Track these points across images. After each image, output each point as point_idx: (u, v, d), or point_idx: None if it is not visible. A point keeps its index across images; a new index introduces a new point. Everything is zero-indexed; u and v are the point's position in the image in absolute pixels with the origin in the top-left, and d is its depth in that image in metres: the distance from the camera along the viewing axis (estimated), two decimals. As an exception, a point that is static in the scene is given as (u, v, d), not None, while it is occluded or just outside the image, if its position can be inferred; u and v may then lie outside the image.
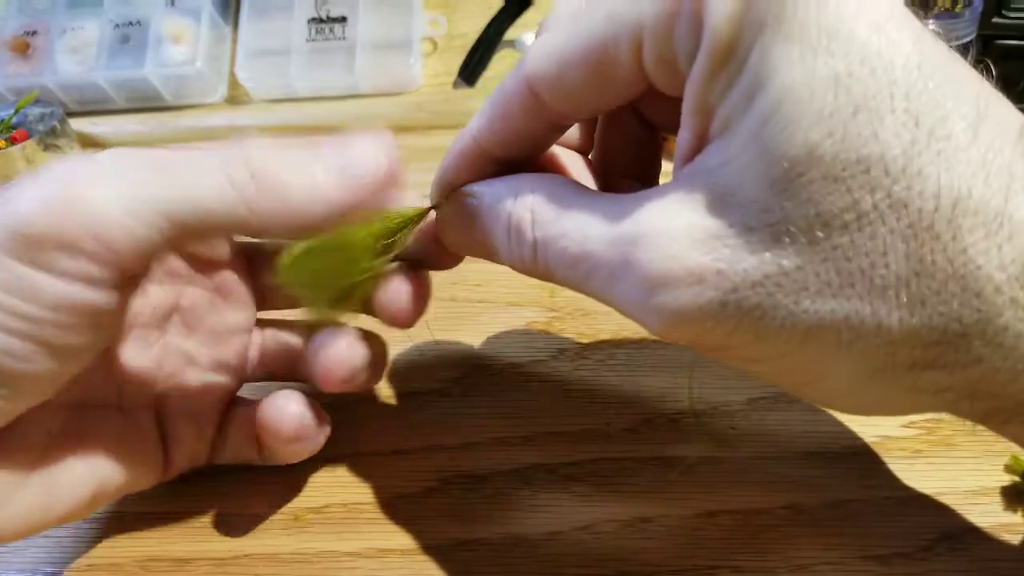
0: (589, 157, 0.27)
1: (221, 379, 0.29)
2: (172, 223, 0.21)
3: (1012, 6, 0.38)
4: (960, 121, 0.16)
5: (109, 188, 0.20)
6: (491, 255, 0.24)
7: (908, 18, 0.17)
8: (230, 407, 0.29)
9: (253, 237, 0.26)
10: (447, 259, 0.27)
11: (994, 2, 0.38)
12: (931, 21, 0.36)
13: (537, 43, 0.21)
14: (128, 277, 0.21)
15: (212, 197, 0.21)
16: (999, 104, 0.17)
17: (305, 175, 0.22)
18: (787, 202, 0.17)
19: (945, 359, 0.17)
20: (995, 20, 0.39)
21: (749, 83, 0.17)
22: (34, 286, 0.20)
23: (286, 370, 0.30)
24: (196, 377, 0.28)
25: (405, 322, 0.26)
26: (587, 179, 0.26)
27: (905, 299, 0.17)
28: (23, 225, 0.20)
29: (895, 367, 0.18)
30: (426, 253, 0.26)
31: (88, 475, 0.25)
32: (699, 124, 0.19)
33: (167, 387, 0.28)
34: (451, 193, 0.24)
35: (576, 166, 0.26)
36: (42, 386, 0.22)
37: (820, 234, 0.17)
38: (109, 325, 0.22)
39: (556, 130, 0.23)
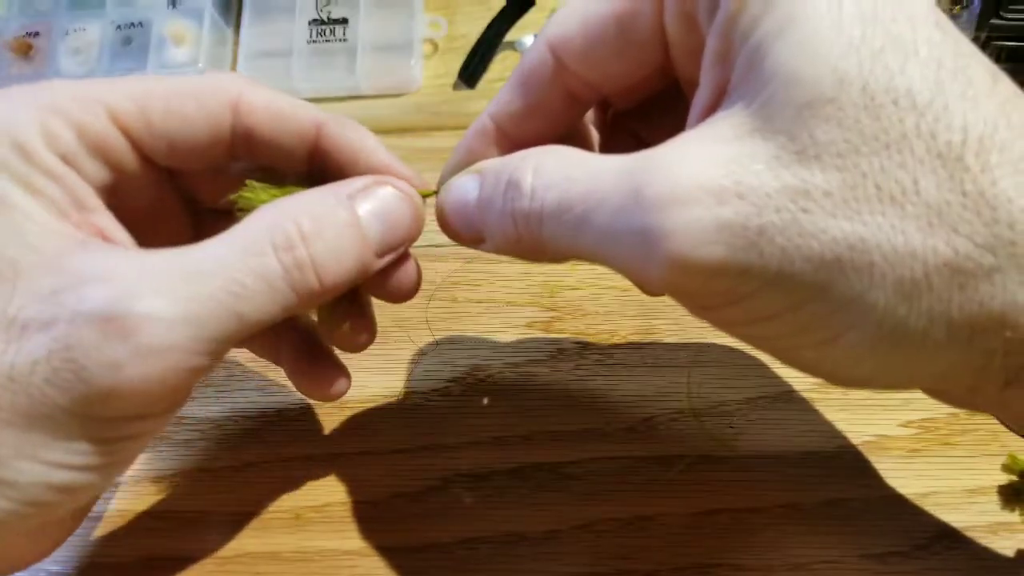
0: None
1: None
2: (231, 341, 0.20)
3: (1010, 7, 0.39)
4: (980, 70, 0.17)
5: (189, 345, 0.19)
6: (485, 232, 0.22)
7: None
8: None
9: None
10: (401, 295, 0.26)
11: (992, 3, 0.38)
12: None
13: (559, 11, 0.21)
14: None
15: (278, 313, 0.21)
16: (1004, 75, 0.18)
17: (356, 265, 0.22)
18: (816, 128, 0.16)
19: (978, 295, 0.16)
20: (993, 21, 0.39)
21: (778, 18, 0.17)
22: (123, 433, 0.20)
23: None
24: None
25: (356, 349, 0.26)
26: None
27: (938, 227, 0.16)
28: (111, 400, 0.19)
29: (928, 310, 0.17)
30: (381, 286, 0.25)
31: None
32: (720, 74, 0.18)
33: None
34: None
35: None
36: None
37: (849, 160, 0.16)
38: None
39: (573, 106, 0.23)
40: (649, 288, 0.20)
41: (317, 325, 0.26)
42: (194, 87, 0.23)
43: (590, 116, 0.26)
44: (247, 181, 0.23)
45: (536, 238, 0.20)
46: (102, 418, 0.19)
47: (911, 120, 0.16)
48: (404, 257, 0.24)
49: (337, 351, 0.28)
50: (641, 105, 0.25)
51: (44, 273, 0.19)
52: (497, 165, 0.21)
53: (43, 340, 0.18)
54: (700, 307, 0.19)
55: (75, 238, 0.20)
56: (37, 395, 0.19)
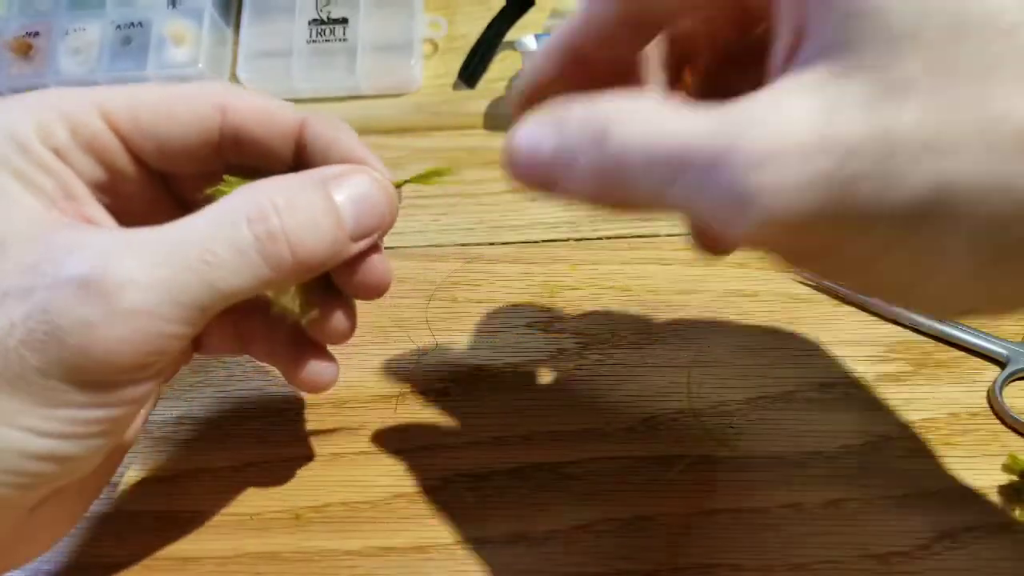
0: None
1: None
2: (213, 312, 0.21)
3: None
4: None
5: (162, 309, 0.20)
6: (562, 181, 0.20)
7: None
8: None
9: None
10: (371, 290, 0.26)
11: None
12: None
13: None
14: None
15: (252, 285, 0.21)
16: None
17: (331, 243, 0.22)
18: (902, 64, 0.16)
19: None
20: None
21: None
22: (101, 401, 0.20)
23: None
24: None
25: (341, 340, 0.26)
26: None
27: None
28: (84, 361, 0.19)
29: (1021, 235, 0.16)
30: (351, 278, 0.25)
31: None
32: (797, 16, 0.18)
33: None
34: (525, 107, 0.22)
35: None
36: (107, 450, 0.23)
37: (938, 95, 0.16)
38: (154, 395, 0.23)
39: (644, 28, 0.22)
40: (734, 242, 0.19)
41: (296, 314, 0.26)
42: (183, 90, 0.24)
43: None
44: (224, 176, 0.24)
45: (620, 190, 0.19)
46: (78, 382, 0.20)
47: (1000, 44, 0.16)
48: (375, 249, 0.25)
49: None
50: (717, 62, 0.24)
51: (28, 250, 0.20)
52: (579, 113, 0.20)
53: (21, 305, 0.19)
54: (790, 259, 0.18)
55: (61, 221, 0.21)
56: (13, 357, 0.19)
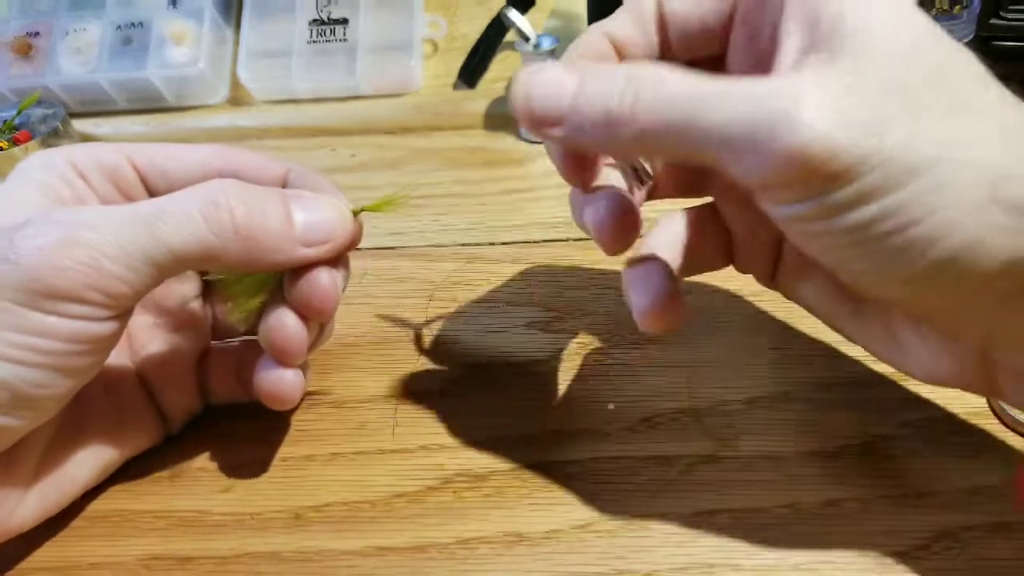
0: None
1: (186, 341, 0.31)
2: (160, 268, 0.24)
3: (1010, 7, 0.39)
4: None
5: (106, 248, 0.23)
6: (573, 118, 0.21)
7: None
8: (205, 359, 0.32)
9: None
10: (314, 304, 0.27)
11: (992, 3, 0.38)
12: (929, 23, 0.36)
13: None
14: (128, 309, 0.24)
15: (195, 246, 0.24)
16: None
17: (275, 233, 0.25)
18: (903, 73, 0.19)
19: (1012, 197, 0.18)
20: (993, 21, 0.39)
21: None
22: (49, 327, 0.22)
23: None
24: (164, 344, 0.31)
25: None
26: None
27: (1010, 144, 0.19)
28: (32, 282, 0.22)
29: (988, 224, 0.18)
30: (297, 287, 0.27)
31: (89, 455, 0.28)
32: (805, 34, 0.20)
33: (141, 359, 0.30)
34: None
35: None
36: (57, 403, 0.24)
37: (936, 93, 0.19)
38: (113, 341, 0.25)
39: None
40: (749, 179, 0.20)
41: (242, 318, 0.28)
42: (194, 146, 0.29)
43: None
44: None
45: (636, 128, 0.20)
46: (25, 303, 0.22)
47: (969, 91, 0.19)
48: (329, 263, 0.27)
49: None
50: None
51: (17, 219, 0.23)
52: (600, 68, 0.21)
53: None
54: (810, 191, 0.19)
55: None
56: None
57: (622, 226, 0.25)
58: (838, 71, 0.19)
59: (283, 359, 0.27)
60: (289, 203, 0.26)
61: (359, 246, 0.28)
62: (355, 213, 0.27)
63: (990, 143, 0.19)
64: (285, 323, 0.27)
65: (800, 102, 0.18)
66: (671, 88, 0.20)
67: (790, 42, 0.21)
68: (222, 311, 0.32)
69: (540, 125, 0.21)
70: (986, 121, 0.19)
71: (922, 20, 0.20)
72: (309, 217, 0.26)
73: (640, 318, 0.24)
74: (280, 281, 0.27)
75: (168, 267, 0.24)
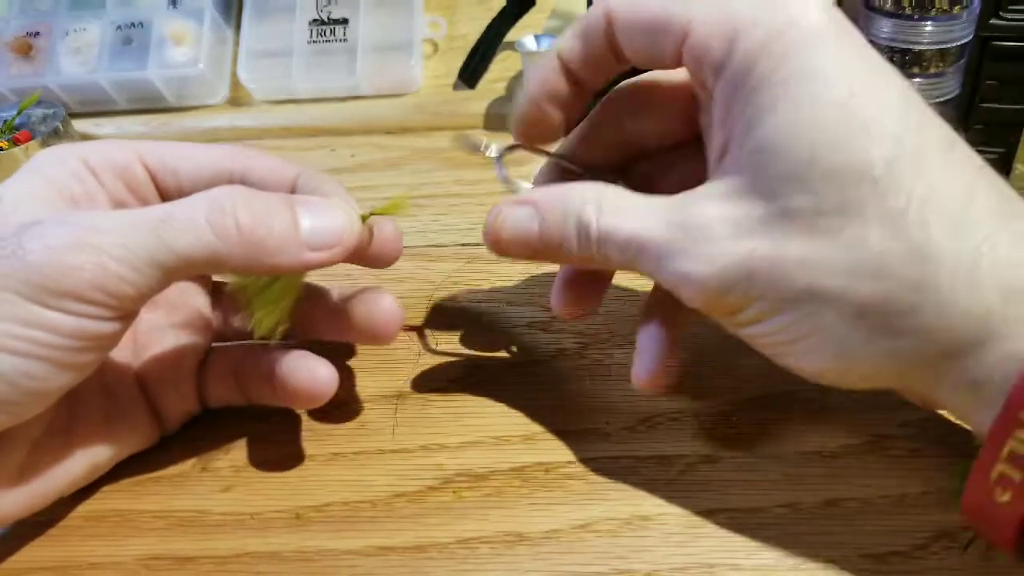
0: None
1: (188, 342, 0.31)
2: (166, 271, 0.24)
3: (1010, 7, 0.39)
4: (935, 143, 0.21)
5: (114, 250, 0.23)
6: (551, 250, 0.26)
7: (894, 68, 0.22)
8: (205, 362, 0.32)
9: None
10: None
11: (992, 3, 0.38)
12: (929, 23, 0.36)
13: None
14: (132, 310, 0.25)
15: (200, 250, 0.24)
16: (963, 143, 0.22)
17: (280, 236, 0.25)
18: (792, 196, 0.21)
19: (900, 326, 0.21)
20: (993, 21, 0.39)
21: (769, 97, 0.22)
22: (51, 322, 0.23)
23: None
24: (166, 346, 0.31)
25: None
26: None
27: (879, 270, 0.21)
28: (38, 277, 0.22)
29: (864, 330, 0.22)
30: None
31: (79, 455, 0.28)
32: (722, 136, 0.23)
33: (142, 360, 0.30)
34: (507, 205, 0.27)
35: None
36: (51, 396, 0.24)
37: (817, 222, 0.21)
38: (114, 341, 0.25)
39: (620, 62, 0.26)
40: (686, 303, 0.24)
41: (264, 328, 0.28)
42: (207, 145, 0.29)
43: None
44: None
45: (600, 264, 0.25)
46: (27, 296, 0.22)
47: (867, 189, 0.21)
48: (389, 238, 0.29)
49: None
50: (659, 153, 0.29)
51: (27, 215, 0.24)
52: (556, 202, 0.25)
53: (5, 242, 0.23)
54: (720, 315, 0.24)
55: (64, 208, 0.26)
56: None
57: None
58: (730, 206, 0.22)
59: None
60: (296, 208, 0.26)
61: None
62: (364, 218, 0.27)
63: (863, 269, 0.21)
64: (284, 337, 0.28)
65: (689, 254, 0.23)
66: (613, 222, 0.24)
67: (710, 153, 0.25)
68: (242, 319, 0.31)
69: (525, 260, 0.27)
70: (861, 238, 0.21)
71: (828, 117, 0.21)
72: (316, 222, 0.26)
73: (642, 382, 0.27)
74: (300, 290, 0.28)
75: (174, 270, 0.24)
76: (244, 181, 0.29)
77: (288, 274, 0.27)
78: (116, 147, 0.28)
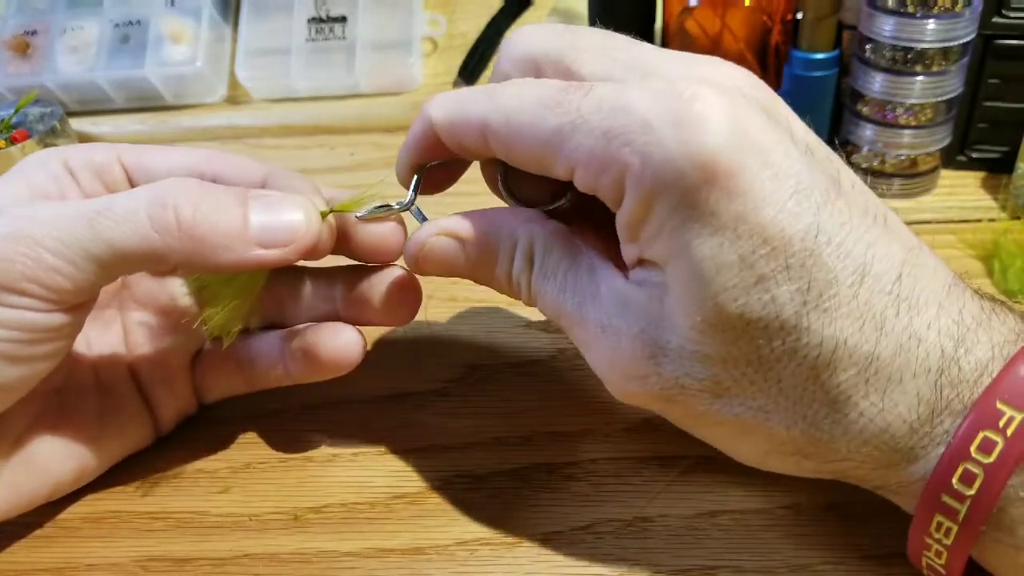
0: None
1: (181, 339, 0.31)
2: (103, 265, 0.23)
3: (1012, 5, 0.38)
4: (845, 280, 0.21)
5: (47, 242, 0.23)
6: (479, 281, 0.27)
7: (813, 188, 0.21)
8: (199, 358, 0.31)
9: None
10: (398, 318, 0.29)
11: (995, 1, 0.38)
12: (931, 21, 0.36)
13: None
14: (75, 303, 0.24)
15: (137, 244, 0.23)
16: (884, 247, 0.21)
17: (226, 232, 0.24)
18: (706, 341, 0.21)
19: (818, 455, 0.23)
20: (995, 20, 0.39)
21: (665, 251, 0.21)
22: None
23: None
24: (158, 342, 0.30)
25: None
26: None
27: (792, 416, 0.22)
28: None
29: (783, 453, 0.23)
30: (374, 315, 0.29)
31: (68, 453, 0.27)
32: (632, 251, 0.23)
33: (135, 359, 0.30)
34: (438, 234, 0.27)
35: None
36: (13, 391, 0.24)
37: (731, 368, 0.22)
38: (69, 333, 0.24)
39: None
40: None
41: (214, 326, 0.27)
42: (181, 148, 0.29)
43: None
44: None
45: (528, 302, 0.26)
46: None
47: (778, 341, 0.21)
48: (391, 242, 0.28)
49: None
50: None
51: None
52: (484, 239, 0.26)
53: None
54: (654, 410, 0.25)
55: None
56: None
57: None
58: (648, 325, 0.22)
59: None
60: (249, 203, 0.25)
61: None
62: (324, 215, 0.26)
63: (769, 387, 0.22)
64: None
65: (607, 362, 0.24)
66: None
67: (626, 247, 0.23)
68: (194, 318, 0.31)
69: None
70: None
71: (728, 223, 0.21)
72: (268, 218, 0.25)
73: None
74: (258, 291, 0.27)
75: (112, 264, 0.23)
76: (215, 181, 0.28)
77: (240, 272, 0.26)
78: (97, 148, 0.28)
